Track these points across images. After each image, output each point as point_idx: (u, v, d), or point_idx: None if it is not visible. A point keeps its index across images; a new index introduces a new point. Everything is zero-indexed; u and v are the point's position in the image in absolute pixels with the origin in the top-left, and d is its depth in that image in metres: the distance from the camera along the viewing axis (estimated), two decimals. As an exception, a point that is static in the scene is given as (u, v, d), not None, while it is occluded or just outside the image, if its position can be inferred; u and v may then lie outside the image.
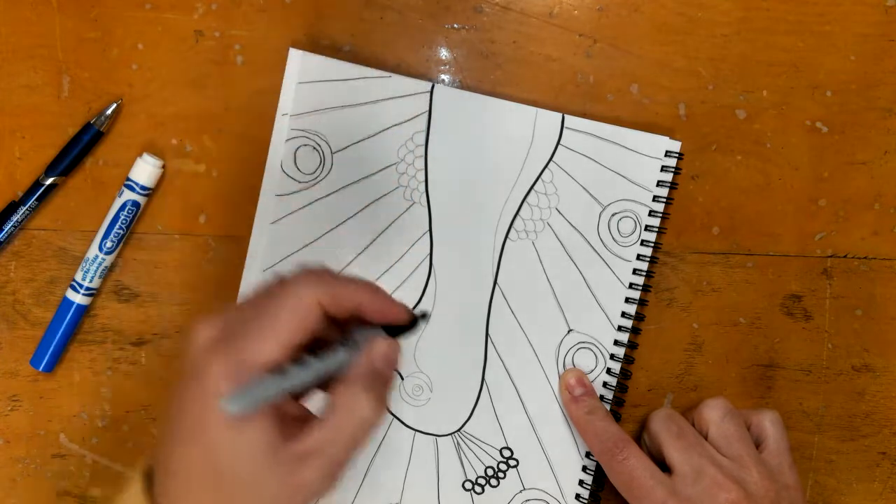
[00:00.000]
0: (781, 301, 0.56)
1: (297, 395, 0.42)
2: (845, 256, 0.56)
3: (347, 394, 0.38)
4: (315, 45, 0.53)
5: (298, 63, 0.52)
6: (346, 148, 0.53)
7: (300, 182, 0.53)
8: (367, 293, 0.39)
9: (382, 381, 0.39)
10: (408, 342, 0.53)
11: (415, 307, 0.53)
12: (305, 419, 0.39)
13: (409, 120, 0.53)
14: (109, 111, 0.52)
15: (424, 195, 0.53)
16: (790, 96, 0.55)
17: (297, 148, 0.53)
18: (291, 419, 0.39)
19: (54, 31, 0.53)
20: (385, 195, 0.53)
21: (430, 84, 0.53)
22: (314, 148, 0.53)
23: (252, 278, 0.53)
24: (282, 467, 0.36)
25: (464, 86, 0.54)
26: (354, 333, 0.40)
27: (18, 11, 0.53)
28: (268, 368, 0.37)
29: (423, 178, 0.53)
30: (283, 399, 0.38)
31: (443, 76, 0.54)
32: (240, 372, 0.36)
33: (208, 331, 0.38)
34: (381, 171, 0.53)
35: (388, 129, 0.53)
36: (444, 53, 0.54)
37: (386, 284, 0.52)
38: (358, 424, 0.38)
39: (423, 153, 0.53)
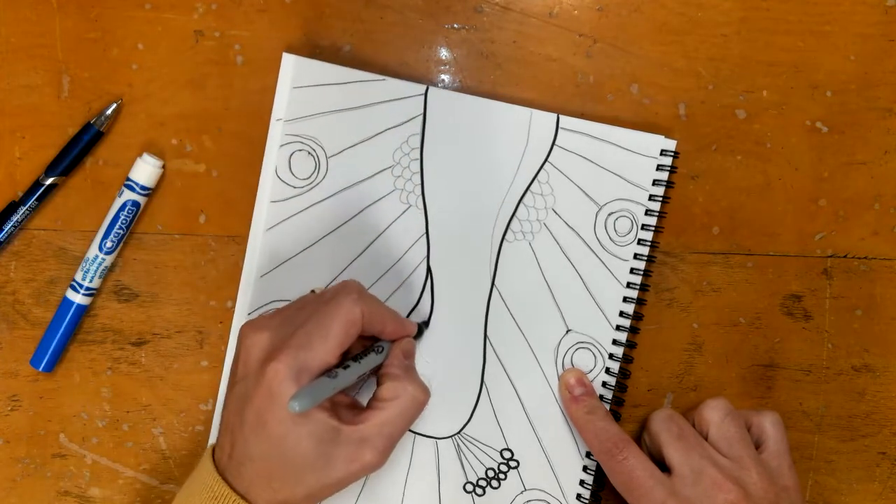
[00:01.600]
0: (781, 301, 0.56)
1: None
2: (845, 256, 0.56)
3: (397, 384, 0.46)
4: (315, 46, 0.53)
5: (292, 68, 0.52)
6: (340, 152, 0.53)
7: (295, 187, 0.53)
8: (392, 314, 0.48)
9: (413, 370, 0.49)
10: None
11: (413, 309, 0.53)
12: (354, 406, 0.47)
13: (403, 123, 0.53)
14: (109, 111, 0.52)
15: (421, 198, 0.53)
16: (790, 96, 0.55)
17: (292, 153, 0.53)
18: (343, 408, 0.46)
19: (54, 31, 0.53)
20: (381, 198, 0.53)
21: (423, 87, 0.53)
22: (309, 153, 0.53)
23: (249, 284, 0.53)
24: (346, 447, 0.43)
25: (463, 86, 0.54)
26: (376, 342, 0.48)
27: (18, 11, 0.53)
28: (322, 372, 0.43)
29: (419, 180, 0.53)
30: (334, 394, 0.44)
31: (443, 76, 0.54)
32: (300, 375, 0.42)
33: (264, 339, 0.44)
34: (376, 174, 0.53)
35: (382, 132, 0.53)
36: (443, 53, 0.54)
37: (383, 288, 0.53)
38: (412, 405, 0.46)
39: (419, 156, 0.53)
